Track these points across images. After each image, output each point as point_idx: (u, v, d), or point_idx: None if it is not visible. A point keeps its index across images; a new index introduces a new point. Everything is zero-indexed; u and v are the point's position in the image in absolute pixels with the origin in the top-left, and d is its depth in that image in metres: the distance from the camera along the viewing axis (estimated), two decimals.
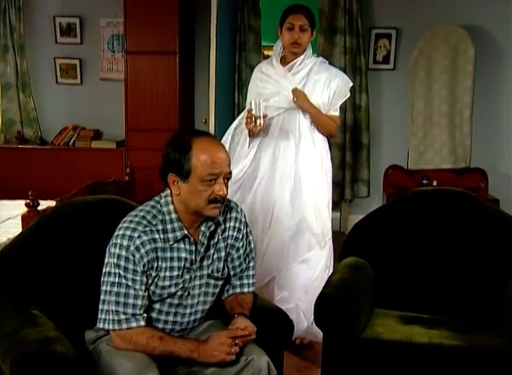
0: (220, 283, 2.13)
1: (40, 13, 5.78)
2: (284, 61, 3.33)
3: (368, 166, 5.57)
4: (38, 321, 1.95)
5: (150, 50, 5.21)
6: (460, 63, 5.26)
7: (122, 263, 1.92)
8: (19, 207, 4.23)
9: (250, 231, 2.24)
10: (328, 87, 3.27)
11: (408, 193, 3.02)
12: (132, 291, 1.92)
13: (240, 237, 2.16)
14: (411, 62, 5.34)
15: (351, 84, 3.38)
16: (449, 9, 5.29)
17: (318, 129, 3.31)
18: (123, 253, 1.92)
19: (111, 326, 1.93)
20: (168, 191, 2.03)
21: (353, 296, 2.41)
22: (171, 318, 2.04)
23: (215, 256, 2.09)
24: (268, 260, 3.26)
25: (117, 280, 1.93)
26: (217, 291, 2.13)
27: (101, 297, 1.96)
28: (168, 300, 2.02)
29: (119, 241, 1.94)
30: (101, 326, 1.97)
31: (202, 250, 2.05)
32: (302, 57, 3.28)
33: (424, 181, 5.23)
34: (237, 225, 2.15)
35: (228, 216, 2.14)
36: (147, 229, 1.95)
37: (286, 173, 3.28)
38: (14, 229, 3.68)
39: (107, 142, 5.63)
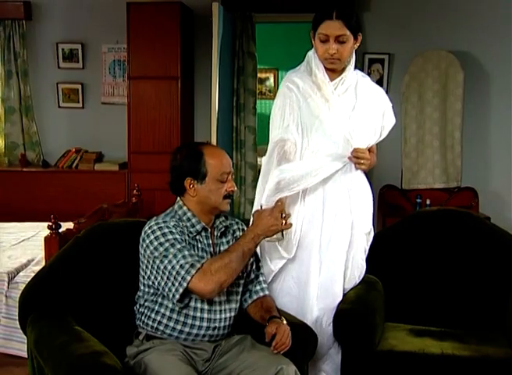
0: (242, 281, 2.32)
1: (43, 40, 5.91)
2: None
3: None
4: (83, 336, 2.07)
5: (152, 75, 5.37)
6: (450, 87, 5.45)
7: (170, 237, 2.17)
8: (30, 229, 4.36)
9: None
10: (378, 112, 2.68)
11: (413, 213, 3.19)
12: (190, 249, 2.18)
13: None
14: (403, 86, 5.53)
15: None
16: (439, 36, 5.49)
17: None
18: (166, 230, 2.18)
19: (189, 277, 2.09)
20: (178, 198, 2.30)
21: (370, 311, 2.56)
22: (205, 315, 2.20)
23: None
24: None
25: (173, 250, 2.13)
26: (240, 289, 2.32)
27: (166, 279, 2.13)
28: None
29: (155, 229, 2.19)
30: (180, 290, 2.10)
31: (219, 238, 2.30)
32: (346, 72, 2.62)
33: (418, 200, 5.40)
34: (242, 228, 2.41)
35: (233, 224, 2.40)
36: (174, 220, 2.23)
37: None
38: (30, 250, 3.78)
39: (109, 164, 5.73)
